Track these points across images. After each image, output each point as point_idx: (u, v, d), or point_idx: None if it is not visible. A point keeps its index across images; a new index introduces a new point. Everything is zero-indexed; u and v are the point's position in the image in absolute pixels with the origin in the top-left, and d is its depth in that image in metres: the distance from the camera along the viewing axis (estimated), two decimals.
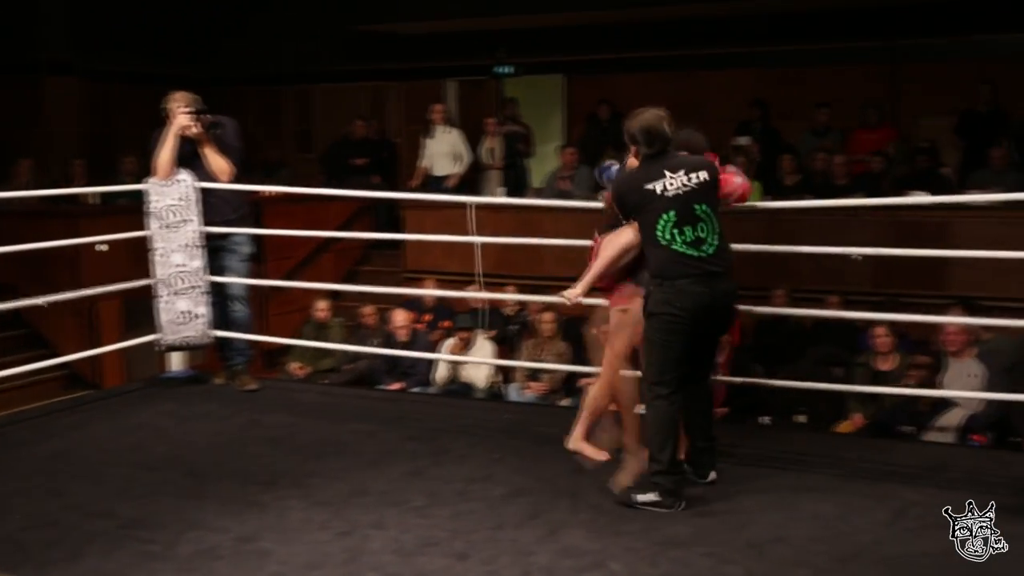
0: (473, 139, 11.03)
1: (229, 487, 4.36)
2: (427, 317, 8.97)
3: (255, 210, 7.96)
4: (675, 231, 4.08)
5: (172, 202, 5.75)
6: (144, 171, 6.05)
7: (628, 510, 4.04)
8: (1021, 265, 7.56)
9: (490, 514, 4.04)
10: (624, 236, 4.26)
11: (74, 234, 6.72)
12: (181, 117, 5.70)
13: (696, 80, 11.53)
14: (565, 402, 7.37)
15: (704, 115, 11.34)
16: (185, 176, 5.79)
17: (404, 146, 12.42)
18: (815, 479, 4.39)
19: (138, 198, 5.93)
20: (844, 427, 6.75)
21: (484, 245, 5.91)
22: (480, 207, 5.92)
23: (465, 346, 7.96)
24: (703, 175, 4.16)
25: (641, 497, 4.10)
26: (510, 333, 8.65)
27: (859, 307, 7.94)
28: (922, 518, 3.92)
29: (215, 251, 5.93)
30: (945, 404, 5.89)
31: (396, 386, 7.95)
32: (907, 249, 5.57)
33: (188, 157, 5.79)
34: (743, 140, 10.12)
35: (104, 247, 5.97)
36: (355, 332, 8.91)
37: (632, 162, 4.34)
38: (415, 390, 7.85)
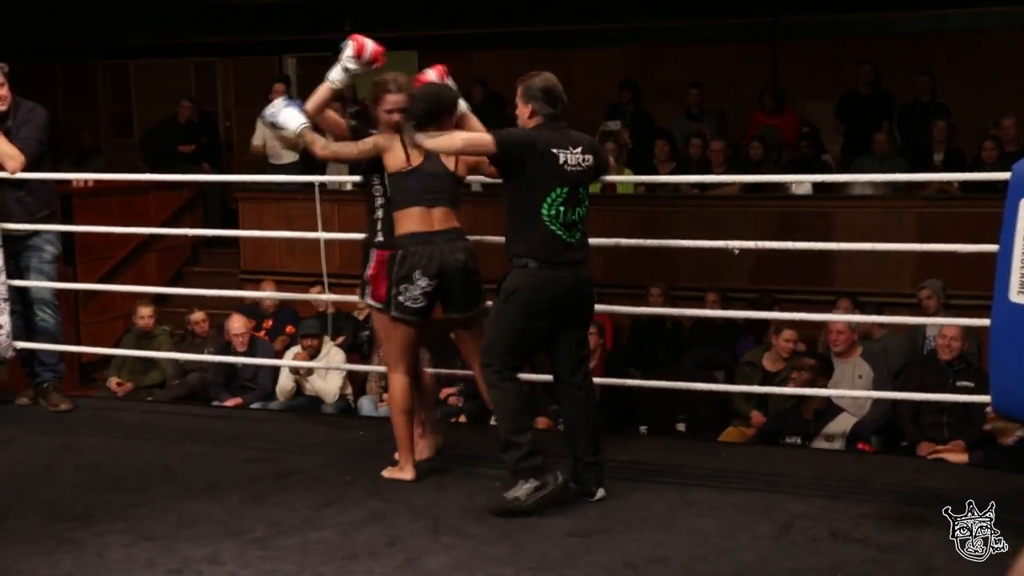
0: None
1: (36, 523, 4.19)
2: (268, 324, 8.84)
3: (63, 204, 7.70)
4: (561, 208, 4.19)
5: None
6: None
7: (492, 533, 4.06)
8: (906, 257, 8.01)
9: (342, 542, 4.00)
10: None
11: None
12: None
13: (562, 58, 11.68)
14: None
15: (571, 96, 11.51)
16: None
17: (235, 130, 12.20)
18: (697, 492, 4.49)
19: None
20: (728, 435, 6.93)
21: (331, 242, 5.88)
22: (326, 199, 5.87)
23: (312, 355, 7.87)
24: (591, 158, 4.30)
25: (518, 492, 4.17)
26: (362, 339, 8.58)
27: (738, 305, 8.20)
28: (809, 531, 4.06)
29: (15, 253, 5.70)
30: (831, 411, 6.12)
31: (233, 402, 7.81)
32: (789, 242, 5.76)
33: None
34: (613, 125, 10.31)
35: None
36: (184, 341, 8.71)
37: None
38: (255, 406, 7.73)
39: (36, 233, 5.75)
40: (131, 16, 12.53)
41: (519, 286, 4.22)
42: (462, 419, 7.16)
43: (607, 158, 4.58)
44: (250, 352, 7.94)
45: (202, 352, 8.11)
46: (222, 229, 9.81)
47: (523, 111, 4.31)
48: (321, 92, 4.62)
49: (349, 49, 4.60)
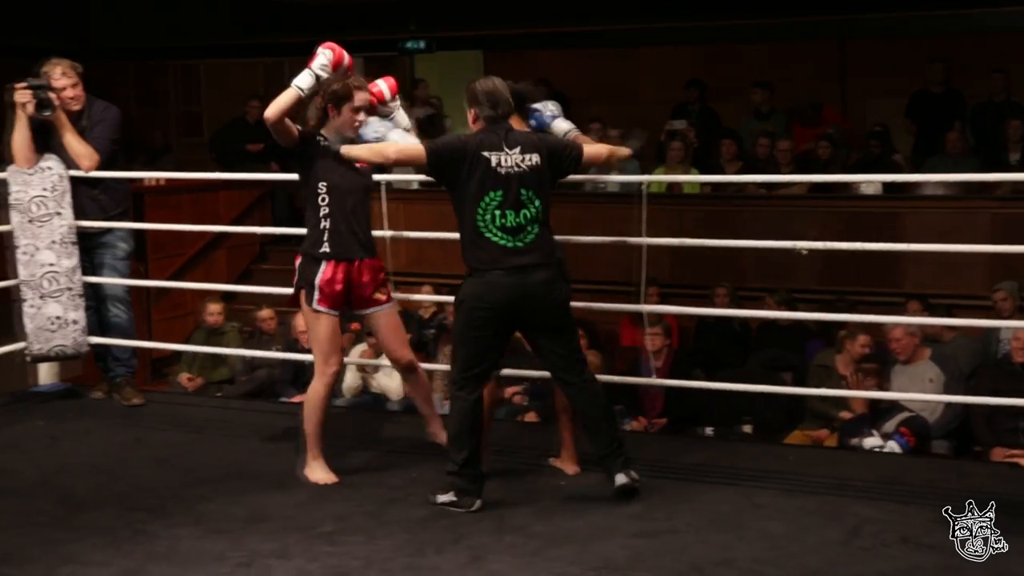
0: None
1: (110, 515, 4.28)
2: None
3: (135, 202, 7.82)
4: (496, 212, 4.16)
5: (38, 193, 5.61)
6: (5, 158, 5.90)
7: (558, 532, 4.06)
8: (979, 259, 7.88)
9: (408, 539, 4.02)
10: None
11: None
12: (17, 93, 5.54)
13: (627, 58, 11.64)
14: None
15: (636, 96, 11.50)
16: (52, 164, 5.65)
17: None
18: (763, 495, 4.45)
19: None
20: (794, 437, 6.87)
21: (396, 240, 5.90)
22: (392, 198, 5.90)
23: (377, 353, 7.91)
24: (535, 158, 4.22)
25: (440, 497, 4.28)
26: (426, 338, 8.62)
27: (806, 307, 8.11)
28: (879, 536, 4.00)
29: (89, 249, 5.81)
30: (893, 411, 6.04)
31: (300, 398, 7.84)
32: (858, 243, 5.68)
33: (46, 141, 5.64)
34: (678, 124, 10.26)
35: None
36: (252, 338, 8.80)
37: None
38: None
39: (110, 230, 5.85)
40: (203, 17, 12.71)
41: (462, 297, 4.27)
42: (529, 417, 7.15)
43: (573, 154, 4.35)
44: None
45: (270, 349, 8.20)
46: (289, 227, 9.89)
47: (469, 116, 4.31)
48: (288, 98, 4.37)
49: (324, 57, 4.43)
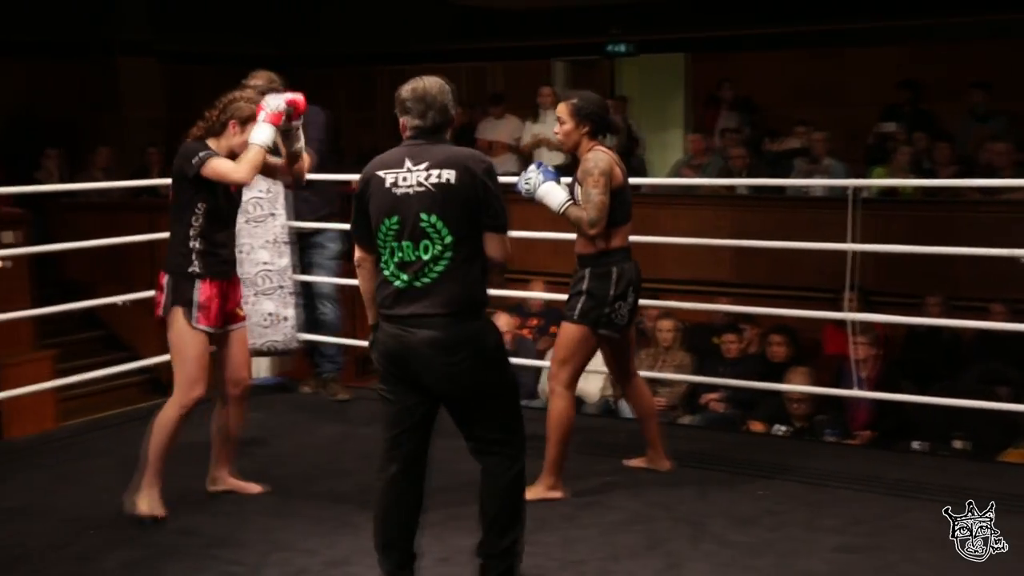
0: None
1: (318, 506, 4.44)
2: (533, 322, 8.99)
3: (344, 203, 8.07)
4: (394, 244, 3.38)
5: (257, 195, 5.87)
6: None
7: (757, 543, 4.00)
8: None
9: (603, 543, 4.04)
10: None
11: (153, 228, 6.85)
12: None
13: (834, 58, 11.34)
14: (686, 419, 7.32)
15: (845, 98, 11.18)
16: None
17: None
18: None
19: None
20: (1010, 456, 6.53)
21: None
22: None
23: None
24: (447, 175, 3.35)
25: None
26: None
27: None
28: None
29: (300, 249, 6.05)
30: None
31: None
32: None
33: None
34: (888, 127, 9.93)
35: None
36: None
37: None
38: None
39: (320, 231, 6.07)
40: (410, 24, 13.07)
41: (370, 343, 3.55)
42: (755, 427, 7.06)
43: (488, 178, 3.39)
44: (515, 351, 8.09)
45: None
46: None
47: (400, 124, 3.55)
48: (260, 158, 4.19)
49: (279, 107, 4.23)
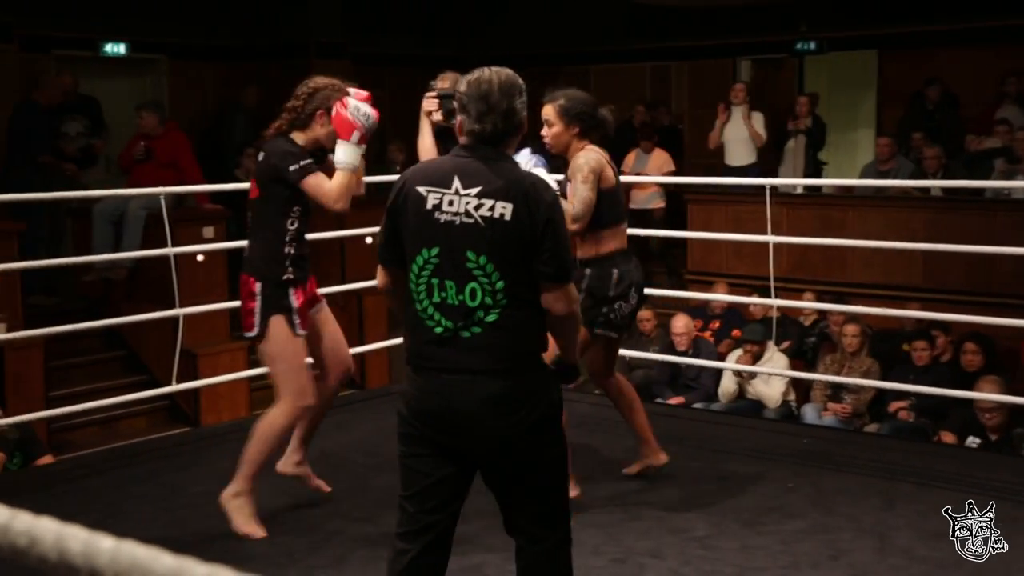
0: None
1: (495, 502, 4.48)
2: (714, 325, 8.89)
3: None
4: (434, 281, 2.76)
5: None
6: (411, 160, 6.33)
7: (947, 559, 3.84)
8: None
9: (783, 551, 3.96)
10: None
11: (337, 226, 6.97)
12: (425, 101, 5.87)
13: None
14: (871, 428, 7.11)
15: None
16: None
17: (688, 133, 12.37)
18: None
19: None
20: None
21: (779, 246, 5.81)
22: (777, 202, 5.82)
23: (755, 360, 7.84)
24: (502, 208, 2.72)
25: None
26: (807, 346, 8.44)
27: None
28: None
29: None
30: None
31: (676, 400, 7.94)
32: None
33: (447, 146, 5.96)
34: None
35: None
36: (632, 338, 8.95)
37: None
38: (697, 405, 7.80)
39: None
40: (592, 23, 13.09)
41: (399, 393, 2.96)
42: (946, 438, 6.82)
43: (557, 213, 2.77)
44: (694, 352, 8.03)
45: (648, 350, 8.31)
46: (669, 230, 9.99)
47: (456, 124, 2.95)
48: (352, 183, 4.02)
49: (370, 124, 4.06)
